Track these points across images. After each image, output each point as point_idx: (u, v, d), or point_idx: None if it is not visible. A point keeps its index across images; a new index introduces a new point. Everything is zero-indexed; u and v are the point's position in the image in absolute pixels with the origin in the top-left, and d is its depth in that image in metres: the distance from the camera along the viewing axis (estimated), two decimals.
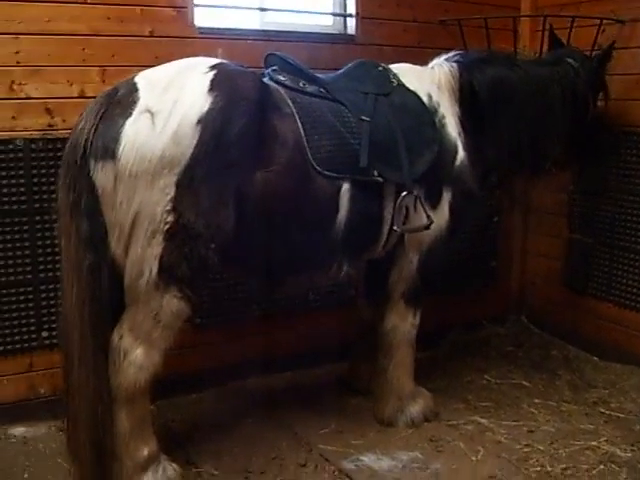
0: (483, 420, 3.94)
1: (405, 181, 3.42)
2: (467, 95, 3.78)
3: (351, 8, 4.64)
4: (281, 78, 3.35)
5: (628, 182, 4.56)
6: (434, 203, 3.60)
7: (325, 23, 4.74)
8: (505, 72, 3.86)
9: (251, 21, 4.42)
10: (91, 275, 2.93)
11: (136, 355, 2.99)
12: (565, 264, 5.13)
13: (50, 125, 3.72)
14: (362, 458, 3.55)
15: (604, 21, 4.35)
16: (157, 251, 2.90)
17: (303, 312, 4.50)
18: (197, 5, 4.11)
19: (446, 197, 3.65)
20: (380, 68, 3.67)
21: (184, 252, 2.93)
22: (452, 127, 3.70)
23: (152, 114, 2.83)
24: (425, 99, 3.66)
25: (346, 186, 3.31)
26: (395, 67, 3.76)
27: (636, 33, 4.46)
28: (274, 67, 3.44)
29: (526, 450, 3.62)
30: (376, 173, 3.36)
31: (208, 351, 4.21)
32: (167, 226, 2.87)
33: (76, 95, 3.75)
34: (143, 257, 2.91)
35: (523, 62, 4.08)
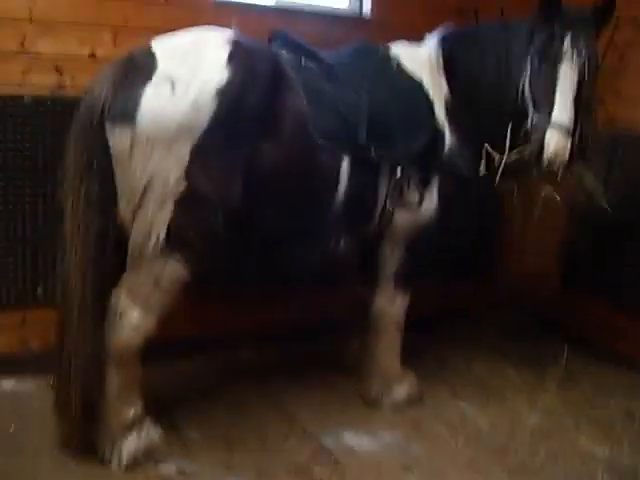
0: (467, 408, 3.98)
1: (400, 160, 3.50)
2: (452, 75, 3.80)
3: None
4: (284, 54, 3.39)
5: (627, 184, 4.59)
6: (423, 188, 3.63)
7: (341, 3, 4.73)
8: (484, 44, 3.79)
9: None
10: (99, 239, 2.98)
11: (133, 316, 3.04)
12: (562, 260, 5.14)
13: (59, 84, 3.73)
14: (344, 435, 3.60)
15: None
16: (166, 216, 2.95)
17: (297, 287, 4.52)
18: None
19: (434, 183, 3.68)
20: (381, 49, 3.75)
21: (193, 218, 2.98)
22: (440, 112, 3.72)
23: (172, 82, 2.88)
24: (420, 82, 3.71)
25: (346, 161, 3.37)
26: (394, 47, 3.81)
27: None
28: (277, 43, 3.47)
29: (506, 441, 3.65)
30: (373, 151, 3.42)
31: (201, 319, 4.22)
32: (179, 192, 2.92)
33: (87, 55, 3.76)
34: (152, 222, 2.95)
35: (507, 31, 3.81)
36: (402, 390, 3.92)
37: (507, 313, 5.51)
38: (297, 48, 3.48)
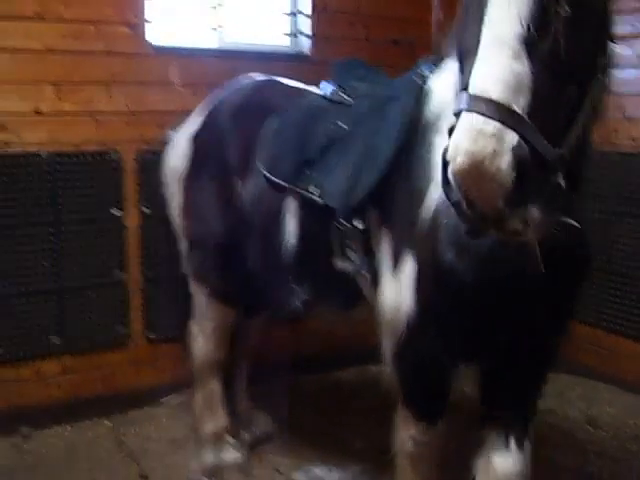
0: None
1: (336, 206, 2.62)
2: None
3: (306, 29, 4.73)
4: (325, 86, 3.06)
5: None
6: (393, 262, 2.48)
7: (281, 43, 4.81)
8: None
9: (209, 41, 4.46)
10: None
11: (199, 341, 3.58)
12: None
13: (5, 142, 3.73)
14: (314, 469, 3.61)
15: None
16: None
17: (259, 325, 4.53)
18: (148, 21, 4.09)
19: (408, 261, 2.36)
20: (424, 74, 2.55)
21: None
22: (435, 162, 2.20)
23: (173, 142, 3.52)
24: (429, 112, 2.40)
25: (290, 200, 2.86)
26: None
27: None
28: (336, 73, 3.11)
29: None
30: (314, 190, 2.73)
31: (162, 366, 4.21)
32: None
33: (31, 111, 3.75)
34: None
35: None
36: None
37: None
38: (343, 77, 3.04)
